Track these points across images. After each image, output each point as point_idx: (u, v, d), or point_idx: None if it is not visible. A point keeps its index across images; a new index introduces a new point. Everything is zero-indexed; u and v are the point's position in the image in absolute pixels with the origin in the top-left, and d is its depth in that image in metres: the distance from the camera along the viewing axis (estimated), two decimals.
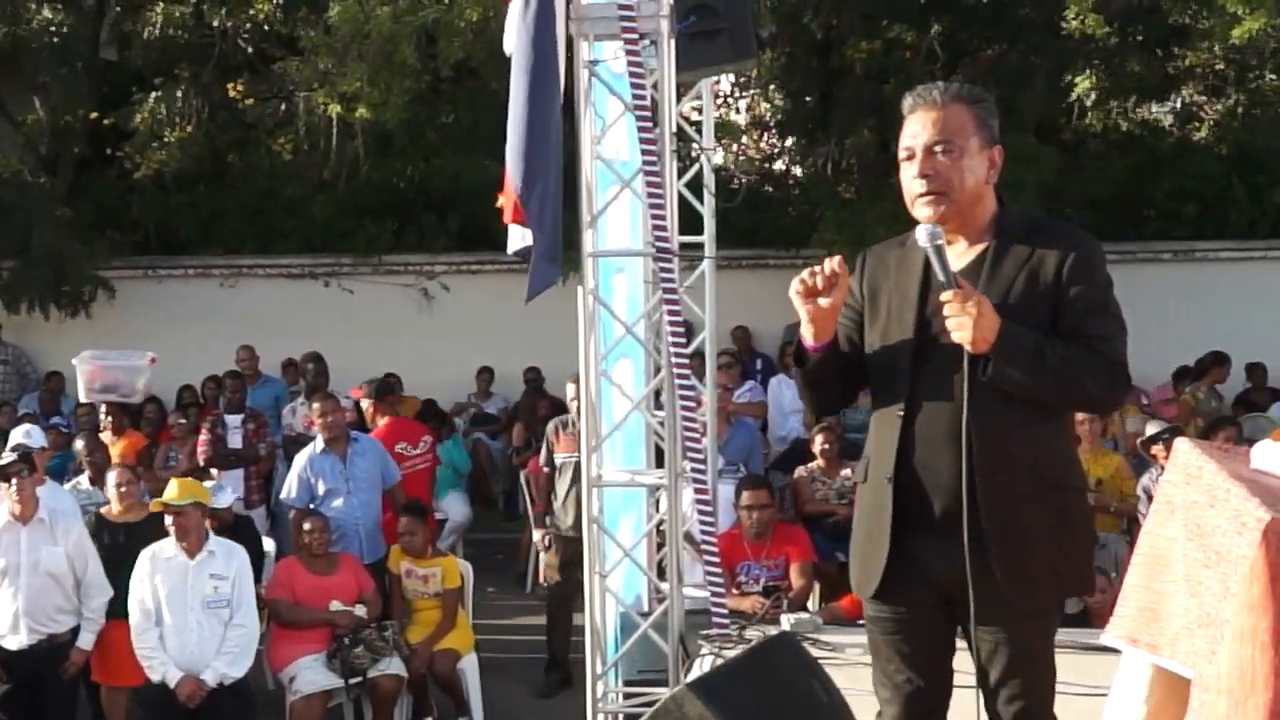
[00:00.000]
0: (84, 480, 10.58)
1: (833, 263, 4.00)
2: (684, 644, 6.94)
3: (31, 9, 17.57)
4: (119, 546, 8.76)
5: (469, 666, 9.56)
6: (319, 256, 17.95)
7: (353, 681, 8.99)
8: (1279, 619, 2.78)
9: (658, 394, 7.50)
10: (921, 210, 4.01)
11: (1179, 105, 19.81)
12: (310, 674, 8.97)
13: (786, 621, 6.95)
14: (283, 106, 17.79)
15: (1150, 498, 10.15)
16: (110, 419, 12.53)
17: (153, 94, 17.22)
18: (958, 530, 3.84)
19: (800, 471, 11.08)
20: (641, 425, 7.97)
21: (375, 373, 15.95)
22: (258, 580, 9.76)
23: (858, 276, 4.26)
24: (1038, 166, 15.42)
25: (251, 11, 16.75)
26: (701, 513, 7.17)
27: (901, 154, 4.08)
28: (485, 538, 14.41)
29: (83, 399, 12.93)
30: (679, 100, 7.90)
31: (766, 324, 16.26)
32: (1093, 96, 17.97)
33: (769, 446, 13.16)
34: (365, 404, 12.22)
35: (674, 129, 7.25)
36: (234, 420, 12.76)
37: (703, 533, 7.21)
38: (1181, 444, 3.57)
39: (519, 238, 6.96)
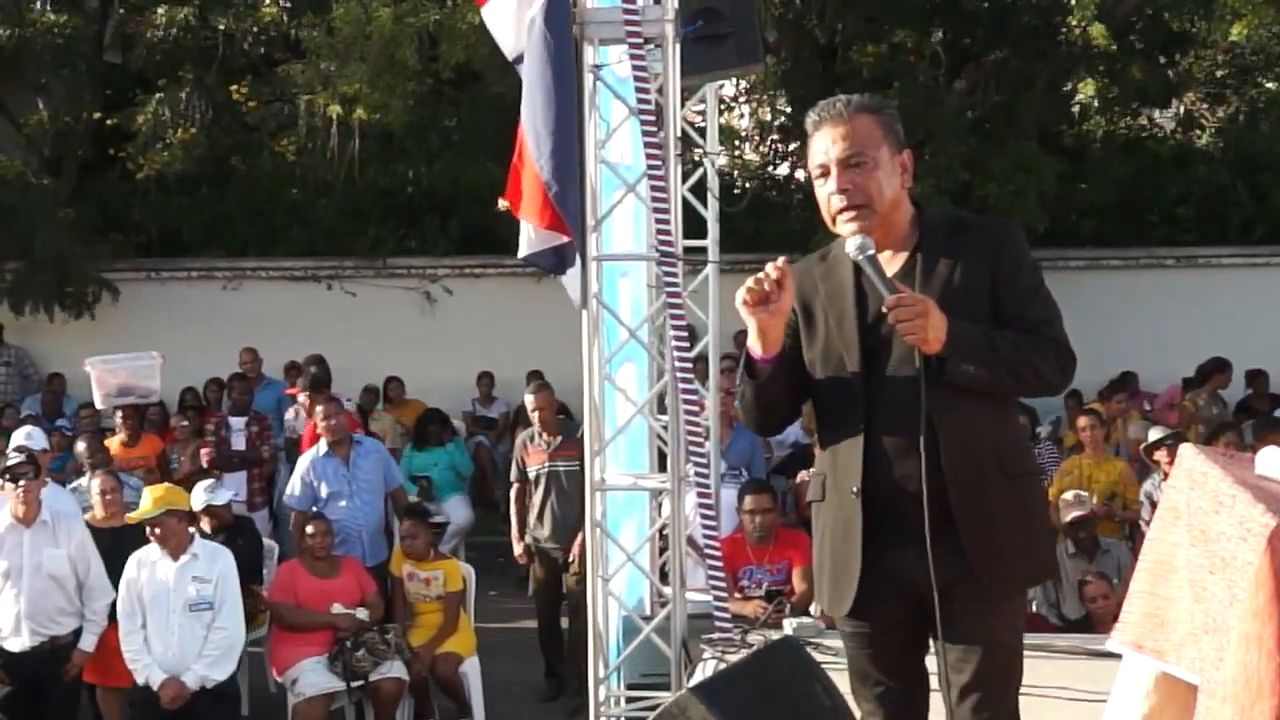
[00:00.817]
0: (85, 481, 10.57)
1: (777, 264, 3.97)
2: (686, 648, 6.93)
3: (35, 10, 17.57)
4: (105, 552, 8.74)
5: (471, 669, 9.57)
6: (321, 259, 17.97)
7: (354, 684, 9.00)
8: None
9: (661, 398, 7.49)
10: (845, 226, 4.01)
11: (1180, 111, 19.83)
12: (312, 676, 8.97)
13: (789, 626, 6.94)
14: (285, 109, 17.80)
15: (1153, 504, 10.17)
16: (126, 424, 12.42)
17: (156, 96, 17.24)
18: (934, 538, 3.83)
19: (802, 476, 11.07)
20: (645, 429, 7.96)
21: (377, 376, 16.03)
22: (260, 582, 9.77)
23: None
24: (1039, 174, 15.43)
25: (255, 14, 16.77)
26: (704, 517, 7.17)
27: (815, 171, 4.08)
28: (487, 541, 14.39)
29: (100, 405, 12.88)
30: (683, 104, 7.89)
31: None
32: (1095, 103, 18.02)
33: (771, 451, 13.15)
34: (302, 398, 12.39)
35: (679, 133, 7.24)
36: (238, 423, 12.78)
37: (705, 537, 7.20)
38: (1186, 450, 3.56)
39: (531, 241, 6.95)
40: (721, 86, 10.55)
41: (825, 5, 16.21)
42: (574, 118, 6.68)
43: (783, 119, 18.67)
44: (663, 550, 8.06)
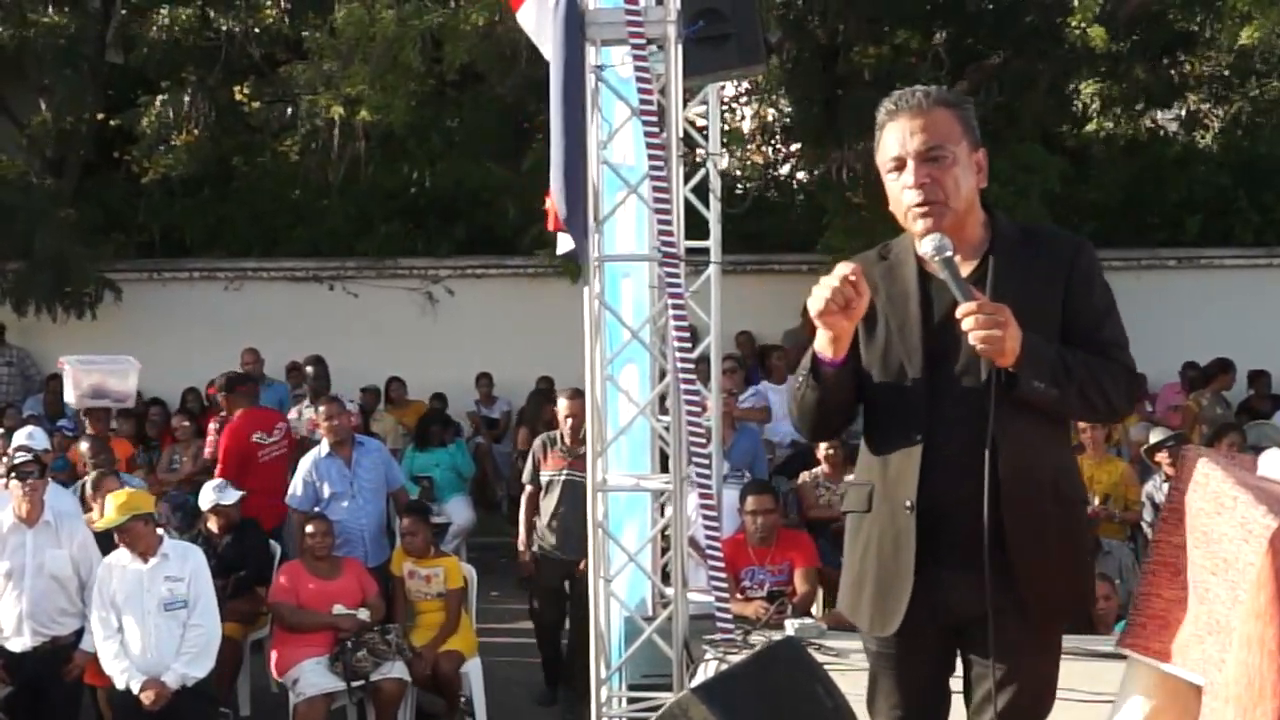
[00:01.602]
0: (86, 482, 10.55)
1: (852, 269, 3.70)
2: (688, 649, 6.93)
3: (37, 11, 17.58)
4: (106, 554, 8.71)
5: (473, 670, 9.57)
6: (324, 260, 18.00)
7: (355, 685, 9.00)
8: None
9: (663, 399, 7.49)
10: (919, 223, 3.79)
11: (1184, 113, 19.83)
12: (313, 676, 8.97)
13: (790, 626, 6.94)
14: (288, 110, 17.81)
15: (1155, 505, 10.20)
16: (94, 427, 12.35)
17: (159, 97, 17.25)
18: (979, 556, 3.68)
19: (804, 477, 11.08)
20: (647, 430, 7.96)
21: (379, 376, 16.04)
22: (263, 581, 9.78)
23: None
24: (1043, 174, 15.43)
25: (257, 14, 16.77)
26: (706, 518, 7.16)
27: (887, 164, 3.88)
28: (488, 541, 14.40)
29: (74, 405, 12.81)
30: (685, 105, 7.89)
31: (771, 329, 16.27)
32: (1097, 103, 18.00)
33: (772, 452, 13.16)
34: (220, 397, 12.46)
35: (681, 134, 7.24)
36: None
37: (707, 537, 7.20)
38: (1189, 451, 3.57)
39: (567, 241, 6.97)
40: (723, 87, 10.54)
41: (827, 6, 16.19)
42: (580, 119, 6.69)
43: (785, 120, 18.65)
44: (664, 551, 8.06)
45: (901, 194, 3.84)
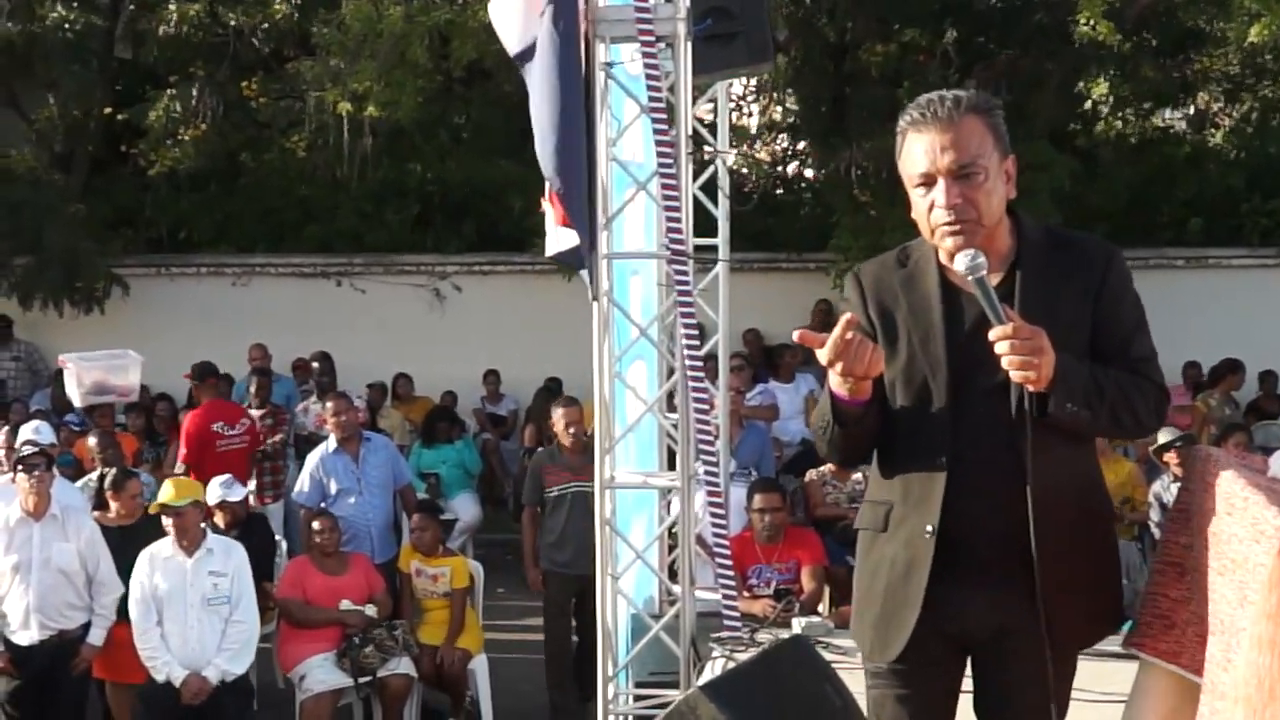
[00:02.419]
0: (95, 478, 10.56)
1: (844, 328, 3.46)
2: (695, 647, 6.94)
3: (46, 6, 17.61)
4: (114, 549, 8.72)
5: (479, 667, 9.58)
6: (331, 256, 18.01)
7: (362, 681, 9.01)
8: None
9: (670, 396, 7.49)
10: (949, 240, 3.58)
11: (1193, 111, 19.80)
12: (320, 673, 8.98)
13: (798, 625, 6.95)
14: (296, 105, 17.82)
15: (1162, 505, 10.20)
16: (100, 423, 12.36)
17: (167, 92, 17.26)
18: (1005, 579, 3.58)
19: (811, 475, 11.07)
20: (654, 427, 7.96)
21: (386, 372, 16.05)
22: (270, 578, 9.78)
23: (859, 301, 3.84)
24: (1052, 173, 15.40)
25: (266, 10, 16.79)
26: (714, 515, 7.16)
27: (915, 179, 3.63)
28: (495, 538, 14.41)
29: (78, 403, 12.82)
30: (694, 103, 7.89)
31: (779, 327, 16.24)
32: (1109, 101, 17.97)
33: (780, 449, 13.16)
34: (191, 385, 12.99)
35: (690, 131, 7.24)
36: (257, 414, 12.76)
37: (715, 535, 7.20)
38: (1198, 452, 3.56)
39: (558, 241, 6.95)
40: (731, 85, 10.53)
41: (835, 4, 16.18)
42: (580, 114, 6.67)
43: (792, 118, 18.64)
44: (672, 549, 8.07)
45: (930, 211, 3.61)
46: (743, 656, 6.21)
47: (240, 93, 18.24)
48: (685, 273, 6.84)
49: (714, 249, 9.17)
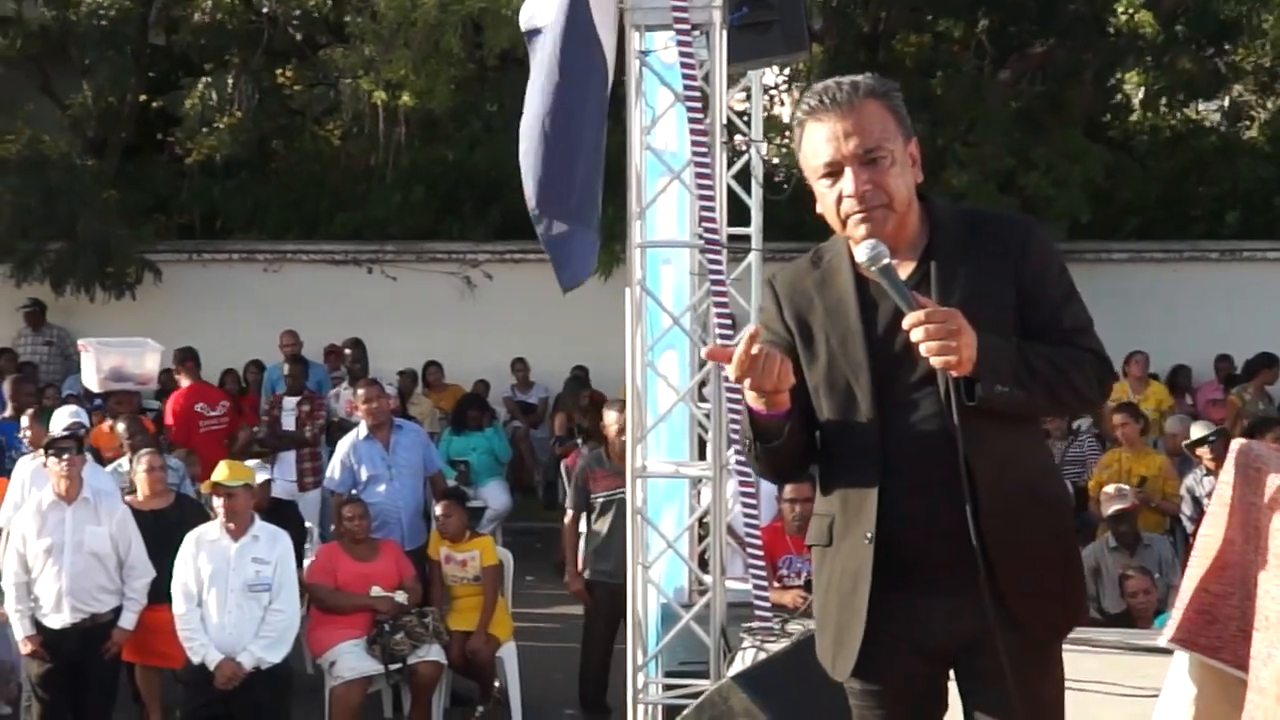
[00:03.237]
0: (125, 462, 10.58)
1: (747, 343, 3.28)
2: (726, 637, 6.93)
3: None
4: (145, 534, 8.74)
5: (508, 655, 9.59)
6: (363, 243, 18.04)
7: (393, 668, 9.02)
8: None
9: (702, 385, 7.48)
10: (861, 229, 3.42)
11: (1228, 104, 19.70)
12: (350, 659, 8.99)
13: None
14: (330, 93, 17.86)
15: (1195, 499, 10.14)
16: (121, 409, 12.27)
17: (203, 80, 17.32)
18: (961, 581, 3.36)
19: None
20: (686, 417, 7.95)
21: (417, 360, 16.08)
22: (299, 565, 9.80)
23: (775, 309, 3.68)
24: (1085, 164, 15.34)
25: None
26: (745, 505, 7.16)
27: (819, 170, 3.47)
28: (525, 526, 14.44)
29: (97, 388, 12.83)
30: (728, 92, 7.86)
31: None
32: (1141, 93, 17.89)
33: None
34: (174, 368, 13.55)
35: (724, 120, 7.22)
36: (290, 403, 12.80)
37: (746, 525, 7.19)
38: (1236, 445, 3.52)
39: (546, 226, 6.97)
40: (764, 74, 10.50)
41: None
42: (582, 104, 6.66)
43: None
44: (702, 538, 8.05)
45: (839, 202, 3.44)
46: (773, 647, 6.22)
47: (274, 80, 18.28)
48: (719, 262, 6.83)
49: (747, 238, 9.15)
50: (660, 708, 7.25)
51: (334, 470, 10.48)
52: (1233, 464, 3.39)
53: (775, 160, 17.51)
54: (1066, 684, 3.64)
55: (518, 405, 16.49)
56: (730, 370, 3.29)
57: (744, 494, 7.14)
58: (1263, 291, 16.70)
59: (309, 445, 12.52)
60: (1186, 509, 10.56)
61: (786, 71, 17.56)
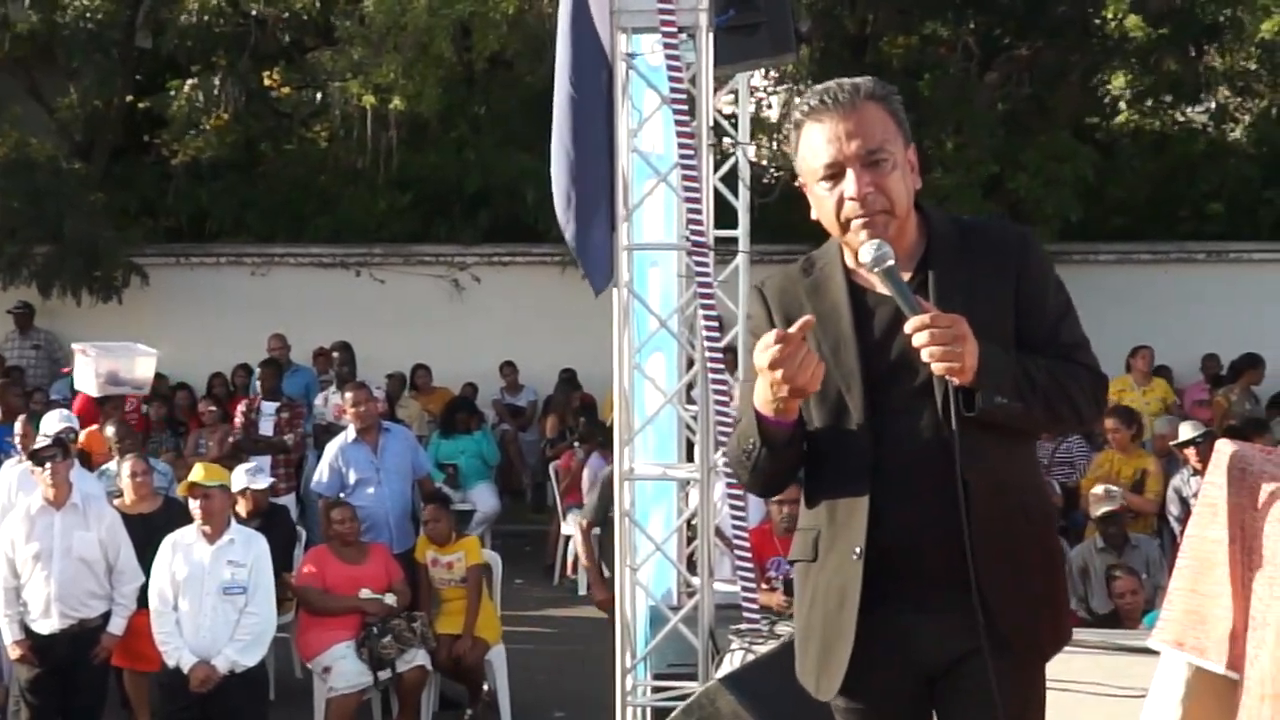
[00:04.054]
0: (113, 465, 10.57)
1: (804, 328, 3.23)
2: (714, 638, 6.93)
3: None
4: (133, 538, 8.71)
5: (497, 658, 9.59)
6: (350, 246, 18.01)
7: (382, 676, 9.01)
8: None
9: (690, 388, 7.49)
10: (860, 234, 3.33)
11: (1213, 106, 19.76)
12: (344, 665, 8.98)
13: None
14: (318, 96, 17.85)
15: (1182, 499, 10.16)
16: (113, 415, 12.24)
17: (189, 82, 17.30)
18: (951, 598, 3.32)
19: None
20: (674, 419, 7.97)
21: (405, 363, 16.06)
22: (289, 568, 9.79)
23: (765, 317, 3.57)
24: (1075, 163, 15.38)
25: (288, 0, 16.82)
26: (733, 507, 7.16)
27: (819, 172, 3.38)
28: (513, 529, 14.46)
29: (94, 392, 12.82)
30: (715, 94, 7.87)
31: None
32: (1127, 95, 17.94)
33: None
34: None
35: (711, 123, 7.23)
36: (269, 407, 12.78)
37: (734, 527, 7.20)
38: (1222, 445, 3.52)
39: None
40: (752, 76, 10.51)
41: None
42: (596, 108, 6.67)
43: None
44: (690, 540, 8.06)
45: (838, 204, 3.36)
46: (761, 649, 6.22)
47: (261, 83, 18.27)
48: (706, 264, 6.84)
49: (734, 241, 9.16)
50: (648, 710, 7.26)
51: (322, 473, 10.47)
52: (1220, 465, 3.39)
53: (765, 162, 17.55)
54: (1053, 684, 3.61)
55: (506, 408, 16.49)
56: (763, 356, 3.20)
57: (732, 495, 7.14)
58: (1249, 292, 16.74)
59: (286, 452, 12.49)
60: (1174, 509, 10.58)
61: (774, 73, 17.58)
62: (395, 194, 18.25)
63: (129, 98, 18.51)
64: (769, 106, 19.24)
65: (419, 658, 9.12)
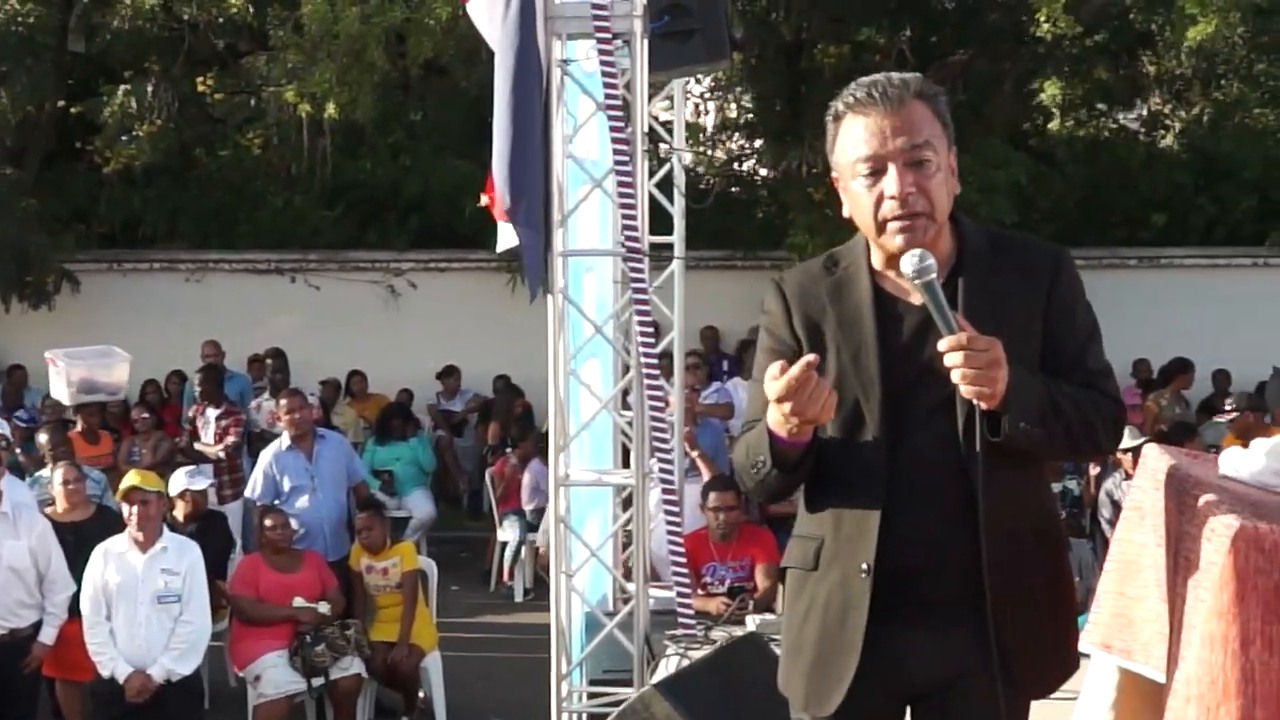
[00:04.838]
0: (46, 473, 10.47)
1: (810, 367, 3.05)
2: (649, 644, 6.94)
3: None
4: (65, 547, 8.63)
5: (432, 665, 9.55)
6: (285, 252, 17.94)
7: (315, 682, 8.96)
8: (1247, 625, 2.78)
9: (625, 394, 7.50)
10: (896, 237, 3.18)
11: (1146, 113, 19.96)
12: (274, 674, 8.92)
13: (752, 622, 6.94)
14: (251, 102, 17.75)
15: (1114, 502, 10.24)
16: (87, 421, 12.29)
17: (122, 87, 17.16)
18: (954, 620, 3.25)
19: None
20: (609, 425, 7.97)
21: (341, 369, 16.00)
22: (224, 575, 9.73)
23: (783, 314, 3.40)
24: (1009, 169, 15.49)
25: (221, 4, 16.71)
26: (668, 513, 7.17)
27: (859, 166, 3.22)
28: (449, 536, 14.41)
29: (68, 401, 12.69)
30: (650, 100, 7.89)
31: (734, 325, 16.29)
32: (1058, 100, 18.09)
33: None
34: None
35: (646, 129, 7.24)
36: (214, 414, 12.69)
37: (669, 533, 7.20)
38: (1150, 450, 3.54)
39: (508, 237, 6.96)
40: (687, 83, 10.54)
41: (790, 3, 16.22)
42: (534, 111, 6.67)
43: (748, 116, 18.67)
44: (626, 546, 8.06)
45: (877, 203, 3.20)
46: (697, 654, 6.23)
47: (195, 88, 18.15)
48: (641, 270, 6.85)
49: (670, 247, 9.18)
50: (584, 715, 7.26)
51: (256, 481, 10.40)
52: (1147, 469, 3.42)
53: (700, 168, 17.58)
54: None
55: (441, 414, 16.45)
56: (773, 389, 3.07)
57: (667, 502, 7.14)
58: (1179, 297, 16.94)
59: (223, 461, 12.40)
60: (1105, 512, 10.65)
61: (709, 80, 17.62)
62: (330, 200, 18.17)
63: (61, 102, 18.34)
64: (704, 113, 19.30)
65: (354, 666, 9.07)
